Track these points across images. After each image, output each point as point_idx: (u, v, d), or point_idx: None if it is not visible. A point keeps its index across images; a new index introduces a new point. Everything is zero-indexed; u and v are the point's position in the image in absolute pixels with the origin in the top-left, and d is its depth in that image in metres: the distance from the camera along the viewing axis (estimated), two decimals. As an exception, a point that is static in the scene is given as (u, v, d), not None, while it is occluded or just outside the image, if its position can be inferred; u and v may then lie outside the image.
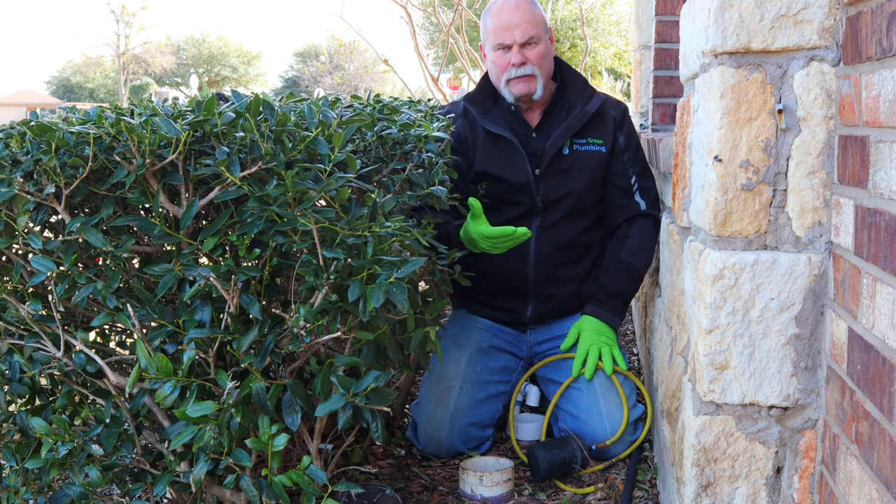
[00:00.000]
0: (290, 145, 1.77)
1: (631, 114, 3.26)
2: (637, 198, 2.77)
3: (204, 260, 1.80)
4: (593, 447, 2.53)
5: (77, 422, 1.93)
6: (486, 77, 2.83)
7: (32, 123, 1.72)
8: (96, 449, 1.75)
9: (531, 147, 2.73)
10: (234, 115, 1.75)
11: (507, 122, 2.76)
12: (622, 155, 2.77)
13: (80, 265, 1.79)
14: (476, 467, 2.45)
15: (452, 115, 2.71)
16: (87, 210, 1.92)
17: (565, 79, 2.80)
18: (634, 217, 2.77)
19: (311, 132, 1.79)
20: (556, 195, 2.73)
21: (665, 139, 2.55)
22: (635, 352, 3.80)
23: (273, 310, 1.83)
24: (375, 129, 2.10)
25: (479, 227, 2.48)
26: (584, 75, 2.86)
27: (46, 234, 1.85)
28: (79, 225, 1.71)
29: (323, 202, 1.78)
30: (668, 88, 3.65)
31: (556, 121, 2.75)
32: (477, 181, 2.74)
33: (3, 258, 1.92)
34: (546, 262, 2.75)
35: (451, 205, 2.39)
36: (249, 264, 1.74)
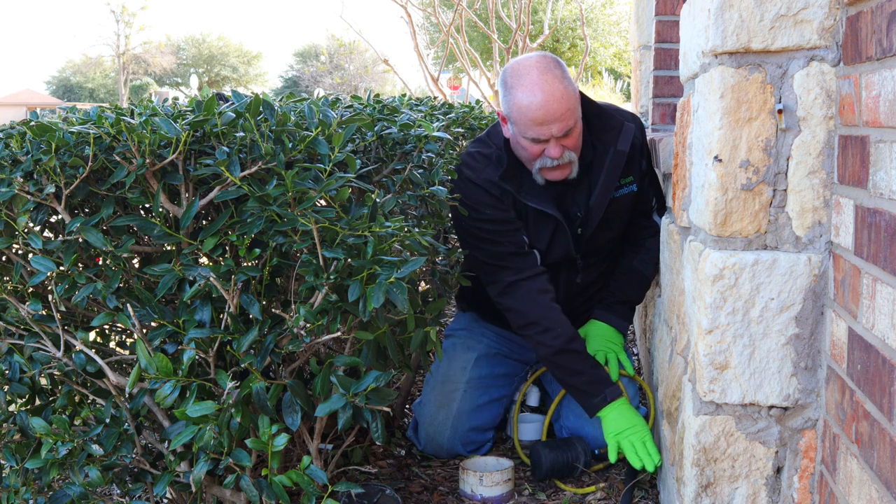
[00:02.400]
0: (290, 145, 1.76)
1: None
2: (655, 217, 2.70)
3: (204, 260, 1.80)
4: (597, 451, 2.53)
5: (77, 422, 1.93)
6: (507, 148, 2.52)
7: (32, 123, 1.72)
8: (96, 449, 1.75)
9: (569, 205, 2.56)
10: (234, 115, 1.75)
11: (546, 191, 2.53)
12: (644, 179, 2.65)
13: (80, 265, 1.79)
14: (476, 467, 2.45)
15: (495, 203, 2.48)
16: (87, 210, 1.92)
17: (589, 116, 2.54)
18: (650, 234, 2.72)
19: (311, 132, 1.79)
20: (594, 247, 2.65)
21: (665, 139, 2.54)
22: (635, 352, 3.80)
23: (273, 310, 1.83)
24: (375, 129, 2.10)
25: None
26: (605, 108, 2.60)
27: (46, 234, 1.85)
28: (79, 225, 1.71)
29: (323, 202, 1.78)
30: (668, 88, 3.64)
31: (588, 168, 2.54)
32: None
33: (3, 258, 1.92)
34: (573, 300, 2.71)
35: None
36: (249, 264, 1.74)
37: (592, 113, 2.54)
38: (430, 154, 2.23)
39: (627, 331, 2.74)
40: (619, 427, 2.37)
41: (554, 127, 2.36)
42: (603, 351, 2.63)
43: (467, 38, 9.07)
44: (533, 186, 2.51)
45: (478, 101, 5.43)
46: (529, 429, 2.74)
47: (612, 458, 2.37)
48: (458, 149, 2.96)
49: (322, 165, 1.73)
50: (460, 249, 2.43)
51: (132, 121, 1.72)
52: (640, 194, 2.63)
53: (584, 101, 2.52)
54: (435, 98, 3.77)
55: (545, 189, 2.52)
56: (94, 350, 1.83)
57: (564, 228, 2.54)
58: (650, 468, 2.30)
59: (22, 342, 1.82)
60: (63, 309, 1.85)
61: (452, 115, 3.16)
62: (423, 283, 2.93)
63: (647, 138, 2.79)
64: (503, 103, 2.46)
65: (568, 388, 2.50)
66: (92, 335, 1.87)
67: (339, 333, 1.74)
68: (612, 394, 2.43)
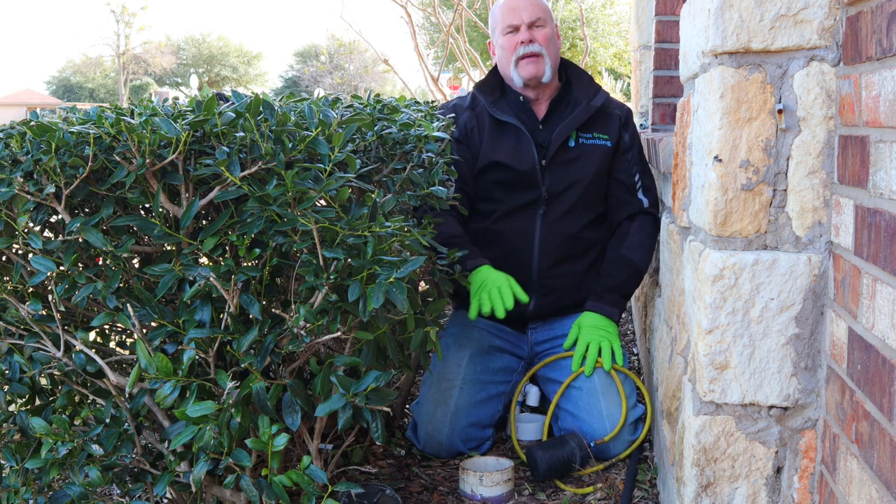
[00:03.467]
0: (290, 145, 1.77)
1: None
2: (640, 195, 2.82)
3: (204, 260, 1.80)
4: (592, 444, 2.54)
5: (77, 422, 1.93)
6: (495, 70, 2.90)
7: (32, 123, 1.72)
8: (96, 449, 1.75)
9: (538, 138, 2.78)
10: (234, 115, 1.75)
11: (515, 113, 2.81)
12: (627, 153, 2.83)
13: (80, 265, 1.79)
14: (476, 467, 2.45)
15: (460, 105, 2.80)
16: (87, 210, 1.92)
17: (570, 76, 2.88)
18: (636, 215, 2.81)
19: (311, 132, 1.79)
20: (561, 186, 2.76)
21: (665, 139, 2.55)
22: (635, 352, 3.80)
23: (273, 310, 1.83)
24: (375, 128, 2.10)
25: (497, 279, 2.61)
26: (588, 73, 2.92)
27: (46, 234, 1.85)
28: (79, 225, 1.71)
29: (323, 202, 1.78)
30: (668, 88, 3.65)
31: (562, 114, 2.81)
32: (483, 172, 2.78)
33: (3, 258, 1.92)
34: (550, 254, 2.77)
35: (451, 204, 2.40)
36: (249, 264, 1.74)
37: (573, 75, 2.88)
38: (430, 154, 2.23)
39: (620, 319, 2.76)
40: (477, 283, 2.60)
41: (524, 13, 2.77)
42: (596, 340, 2.64)
43: (467, 38, 9.07)
44: (506, 106, 2.82)
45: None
46: (529, 429, 2.74)
47: (472, 314, 2.59)
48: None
49: (322, 165, 1.73)
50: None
51: (132, 121, 1.72)
52: (618, 161, 2.82)
53: (569, 64, 2.91)
54: (435, 100, 3.78)
55: (515, 111, 2.81)
56: (94, 350, 1.83)
57: (526, 137, 2.76)
58: (507, 305, 2.54)
59: (22, 342, 1.82)
60: (63, 309, 1.85)
61: (459, 99, 3.17)
62: (422, 283, 2.94)
63: (648, 138, 2.82)
64: (490, 27, 2.91)
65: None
66: (92, 335, 1.87)
67: (339, 333, 1.74)
68: (475, 263, 2.65)
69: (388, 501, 2.17)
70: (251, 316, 1.74)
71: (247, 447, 1.71)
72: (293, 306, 1.72)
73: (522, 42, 2.75)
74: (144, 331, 1.76)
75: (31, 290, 1.89)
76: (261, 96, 1.79)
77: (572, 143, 2.78)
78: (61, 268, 1.75)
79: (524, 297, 2.59)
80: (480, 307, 2.56)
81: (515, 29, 2.78)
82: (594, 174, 2.78)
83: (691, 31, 1.81)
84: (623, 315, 3.82)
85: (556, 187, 2.76)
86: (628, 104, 4.76)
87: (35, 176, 1.72)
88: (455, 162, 2.56)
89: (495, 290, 2.57)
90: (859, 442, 1.33)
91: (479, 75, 10.00)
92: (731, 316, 1.60)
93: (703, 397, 1.64)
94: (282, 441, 1.66)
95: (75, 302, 1.74)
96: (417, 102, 2.97)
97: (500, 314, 2.55)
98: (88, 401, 1.89)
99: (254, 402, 1.69)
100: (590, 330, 2.68)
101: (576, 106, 2.80)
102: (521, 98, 2.81)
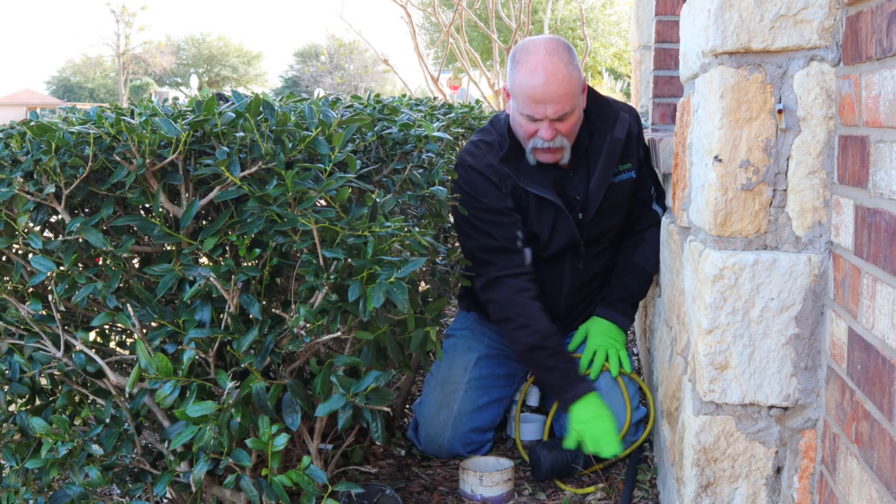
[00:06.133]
0: (290, 145, 1.76)
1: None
2: (655, 206, 2.73)
3: (204, 260, 1.80)
4: None
5: (77, 422, 1.93)
6: (510, 131, 2.57)
7: (32, 123, 1.72)
8: (96, 449, 1.75)
9: (570, 191, 2.59)
10: (234, 115, 1.75)
11: (545, 176, 2.56)
12: (643, 167, 2.70)
13: (80, 265, 1.79)
14: (476, 467, 2.45)
15: (487, 176, 2.53)
16: (87, 210, 1.92)
17: (588, 104, 2.59)
18: (651, 224, 2.74)
19: (312, 132, 1.79)
20: (597, 234, 2.67)
21: (665, 139, 2.55)
22: (635, 352, 3.80)
23: (273, 310, 1.83)
24: (375, 129, 2.10)
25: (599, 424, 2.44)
26: (604, 97, 2.67)
27: (46, 234, 1.85)
28: (79, 225, 1.71)
29: (323, 202, 1.78)
30: (668, 88, 3.64)
31: (587, 154, 2.59)
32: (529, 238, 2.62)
33: (3, 258, 1.92)
34: (579, 291, 2.73)
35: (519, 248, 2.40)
36: (249, 264, 1.74)
37: (591, 101, 2.59)
38: (430, 154, 2.23)
39: (629, 328, 2.74)
40: (582, 417, 2.43)
41: (550, 108, 2.42)
42: (603, 347, 2.63)
43: (467, 38, 9.07)
44: (532, 171, 2.55)
45: (478, 101, 5.43)
46: (530, 429, 2.74)
47: (570, 444, 2.45)
48: (457, 148, 2.96)
49: (322, 165, 1.73)
50: (460, 249, 2.44)
51: (132, 121, 1.72)
52: (639, 181, 2.67)
53: (589, 92, 2.58)
54: (434, 98, 3.77)
55: (544, 175, 2.56)
56: (94, 350, 1.83)
57: (566, 214, 2.57)
58: (606, 454, 2.39)
59: (22, 342, 1.82)
60: (63, 309, 1.85)
61: (452, 115, 3.16)
62: (423, 283, 2.93)
63: (648, 138, 2.81)
64: (508, 78, 2.53)
65: (544, 384, 2.59)
66: (92, 335, 1.87)
67: (339, 333, 1.74)
68: (583, 389, 2.48)
69: (388, 501, 2.17)
70: (251, 316, 1.74)
71: (247, 447, 1.71)
72: (293, 306, 1.72)
73: (543, 138, 2.45)
74: (144, 331, 1.75)
75: (31, 290, 1.89)
76: (261, 96, 1.79)
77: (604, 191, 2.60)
78: (61, 268, 1.75)
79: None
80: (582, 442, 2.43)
81: (537, 120, 2.45)
82: (626, 211, 2.68)
83: (691, 31, 1.81)
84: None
85: (592, 236, 2.66)
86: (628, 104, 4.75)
87: (35, 176, 1.72)
88: (512, 225, 2.49)
89: (601, 432, 2.41)
90: (859, 442, 1.33)
91: (479, 75, 9.99)
92: (731, 316, 1.60)
93: (703, 397, 1.64)
94: (282, 441, 1.66)
95: (75, 302, 1.74)
96: (419, 101, 2.97)
97: (606, 455, 2.41)
98: (88, 401, 1.89)
99: (254, 402, 1.69)
100: (598, 336, 2.65)
101: (601, 142, 2.56)
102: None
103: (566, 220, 2.59)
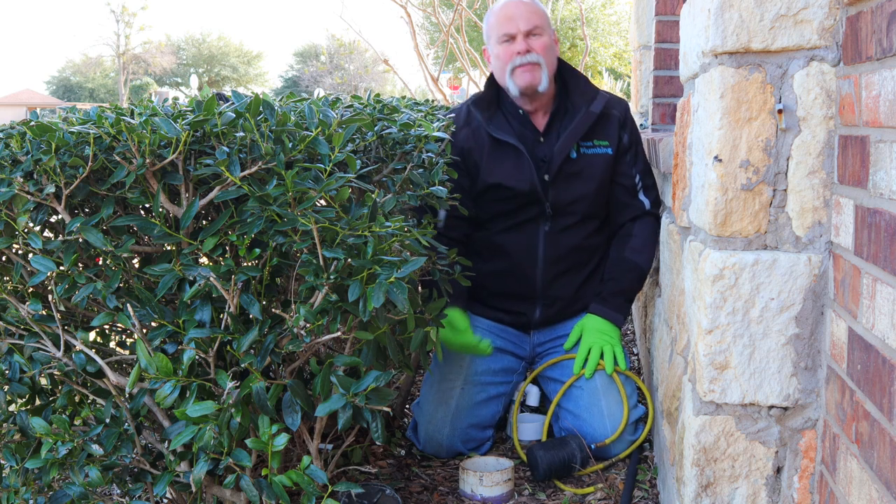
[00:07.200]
0: (290, 145, 1.76)
1: (631, 112, 3.25)
2: (641, 196, 2.76)
3: (204, 260, 1.80)
4: (592, 446, 2.53)
5: (77, 422, 1.93)
6: (491, 80, 2.78)
7: (32, 123, 1.72)
8: (96, 449, 1.75)
9: (539, 153, 2.69)
10: (234, 115, 1.75)
11: (513, 128, 2.71)
12: (626, 154, 2.74)
13: (80, 265, 1.79)
14: (476, 467, 2.45)
15: (454, 120, 2.68)
16: (87, 210, 1.92)
17: (567, 79, 2.76)
18: (638, 216, 2.76)
19: (312, 132, 1.79)
20: (564, 201, 2.70)
21: (665, 139, 2.55)
22: (635, 352, 3.80)
23: (273, 310, 1.83)
24: (375, 128, 2.10)
25: (458, 338, 2.66)
26: (584, 74, 2.83)
27: (46, 234, 1.85)
28: (79, 225, 1.71)
29: (323, 202, 1.78)
30: (668, 88, 3.65)
31: (561, 124, 2.71)
32: (484, 192, 2.69)
33: (3, 258, 1.92)
34: (554, 266, 2.74)
35: (456, 210, 2.41)
36: (249, 264, 1.74)
37: (569, 77, 2.77)
38: (430, 154, 2.23)
39: (623, 323, 2.75)
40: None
41: (521, 22, 2.67)
42: (598, 344, 2.64)
43: (467, 38, 9.07)
44: (501, 122, 2.72)
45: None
46: (529, 429, 2.74)
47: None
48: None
49: (322, 165, 1.73)
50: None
51: (132, 121, 1.72)
52: (619, 166, 2.74)
53: (564, 65, 2.78)
54: (435, 100, 3.77)
55: (511, 127, 2.71)
56: (94, 350, 1.83)
57: (526, 158, 2.66)
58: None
59: (22, 342, 1.82)
60: (63, 309, 1.85)
61: (452, 114, 3.16)
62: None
63: (648, 138, 2.82)
64: (485, 35, 2.80)
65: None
66: (92, 335, 1.87)
67: (339, 333, 1.74)
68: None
69: (388, 501, 2.17)
70: (251, 316, 1.74)
71: (247, 447, 1.71)
72: (293, 306, 1.72)
73: (519, 52, 2.64)
74: (144, 331, 1.76)
75: (31, 290, 1.89)
76: (261, 96, 1.79)
77: (574, 156, 2.68)
78: (61, 268, 1.75)
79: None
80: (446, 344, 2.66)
81: (511, 38, 2.66)
82: (598, 185, 2.71)
83: (691, 31, 1.81)
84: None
85: (559, 202, 2.70)
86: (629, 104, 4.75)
87: (35, 176, 1.72)
88: (457, 180, 2.52)
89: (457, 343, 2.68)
90: (859, 442, 1.33)
91: (479, 75, 9.99)
92: (731, 316, 1.60)
93: (703, 397, 1.64)
94: (282, 441, 1.66)
95: (75, 302, 1.74)
96: (417, 102, 2.97)
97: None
98: (88, 401, 1.89)
99: (254, 402, 1.69)
100: (592, 334, 2.67)
101: (575, 114, 2.70)
102: (520, 111, 2.70)
103: (527, 163, 2.66)
